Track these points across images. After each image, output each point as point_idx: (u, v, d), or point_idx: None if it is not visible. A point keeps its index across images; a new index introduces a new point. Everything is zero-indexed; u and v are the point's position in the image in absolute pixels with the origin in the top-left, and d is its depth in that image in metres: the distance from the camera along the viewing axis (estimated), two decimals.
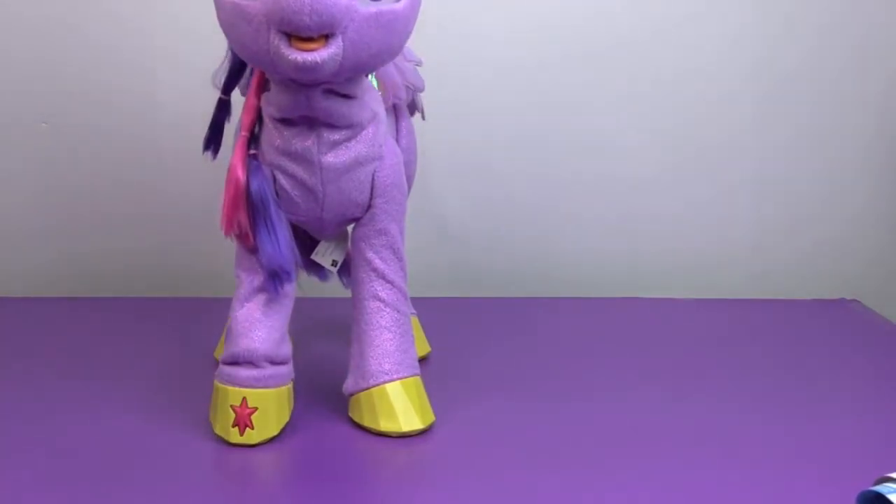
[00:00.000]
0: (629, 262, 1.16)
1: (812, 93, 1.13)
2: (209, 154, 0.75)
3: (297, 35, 0.58)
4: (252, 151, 0.69)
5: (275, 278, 0.69)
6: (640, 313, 1.03)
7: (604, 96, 1.11)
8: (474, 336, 0.94)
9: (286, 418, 0.72)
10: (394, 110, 0.79)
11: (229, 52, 0.71)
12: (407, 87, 0.79)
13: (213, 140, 0.74)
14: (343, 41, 0.59)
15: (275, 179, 0.70)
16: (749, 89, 1.12)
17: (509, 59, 1.09)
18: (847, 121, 1.14)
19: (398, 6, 0.61)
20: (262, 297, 0.70)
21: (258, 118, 0.69)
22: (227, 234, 0.69)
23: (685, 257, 1.16)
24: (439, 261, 1.13)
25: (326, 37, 0.58)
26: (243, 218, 0.68)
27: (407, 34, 0.65)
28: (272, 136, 0.68)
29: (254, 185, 0.68)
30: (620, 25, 1.09)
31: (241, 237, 0.69)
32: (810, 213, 1.16)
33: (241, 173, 0.68)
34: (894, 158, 1.16)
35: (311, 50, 0.58)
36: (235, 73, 0.72)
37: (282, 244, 0.69)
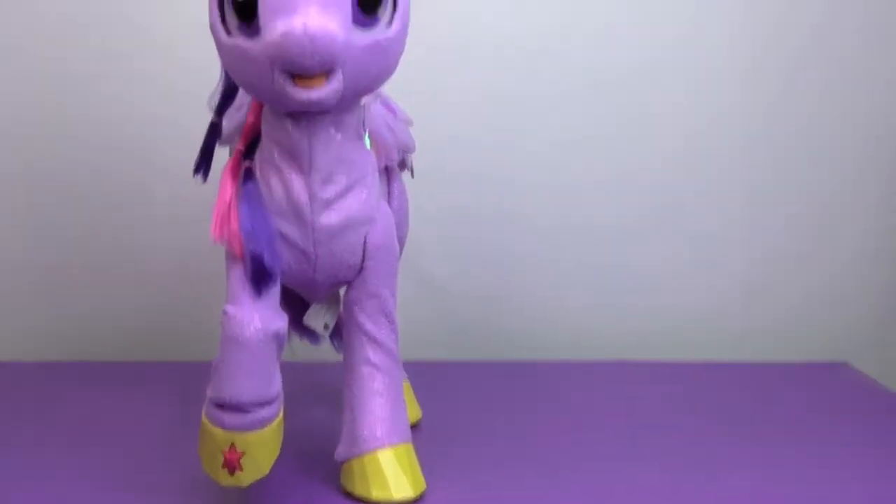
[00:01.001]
0: (610, 318, 1.16)
1: (803, 141, 1.15)
2: (199, 177, 0.73)
3: (301, 75, 0.59)
4: (247, 163, 0.69)
5: (258, 279, 0.67)
6: (630, 376, 1.03)
7: (587, 141, 1.13)
8: (466, 401, 0.93)
9: (276, 453, 0.69)
10: (385, 172, 0.79)
11: (223, 75, 0.72)
12: (399, 148, 0.79)
13: (204, 163, 0.74)
14: (343, 74, 0.61)
15: None
16: (743, 160, 1.15)
17: (491, 112, 1.11)
18: (840, 177, 1.16)
19: (390, 32, 0.63)
20: (251, 340, 0.67)
21: (255, 139, 0.70)
22: (216, 241, 0.68)
23: (669, 315, 1.17)
24: (430, 322, 1.13)
25: (328, 72, 0.60)
26: (233, 225, 0.67)
27: (402, 52, 0.66)
28: (263, 192, 0.68)
29: (243, 199, 0.67)
30: (602, 69, 1.11)
31: (230, 243, 0.68)
32: (799, 273, 1.17)
33: (230, 183, 0.68)
34: (887, 217, 1.17)
35: (316, 87, 0.60)
36: (229, 95, 0.73)
37: (264, 241, 0.67)
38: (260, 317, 0.67)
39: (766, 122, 1.14)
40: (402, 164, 0.83)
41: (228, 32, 0.62)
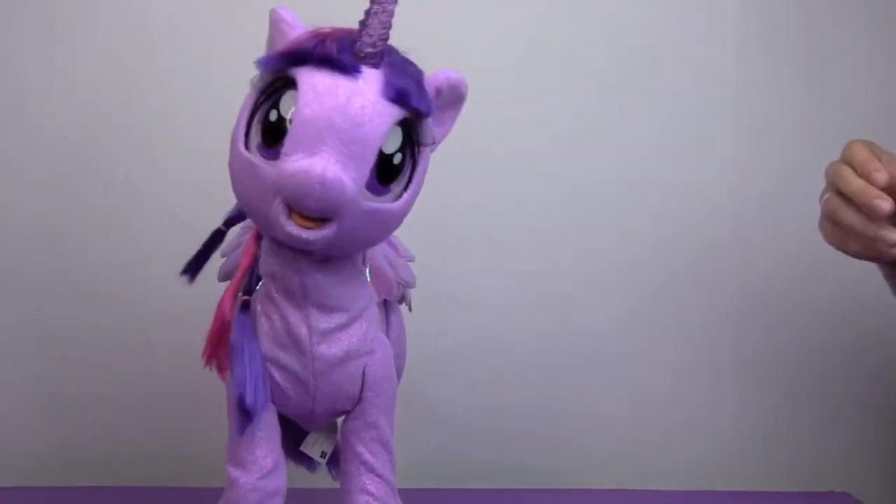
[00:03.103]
0: (610, 448, 1.16)
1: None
2: (186, 277, 0.75)
3: (299, 212, 0.61)
4: (244, 297, 0.71)
5: (243, 416, 0.69)
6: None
7: (586, 275, 1.15)
8: None
9: None
10: (384, 304, 0.81)
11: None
12: (399, 283, 0.81)
13: (196, 265, 0.75)
14: (337, 227, 0.62)
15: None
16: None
17: (494, 255, 1.14)
18: (831, 326, 1.17)
19: (396, 205, 0.65)
20: (253, 499, 0.70)
21: (254, 266, 0.71)
22: (206, 365, 0.70)
23: (670, 444, 1.17)
24: (427, 451, 1.13)
25: (324, 220, 0.61)
26: (223, 354, 0.69)
27: (397, 226, 0.69)
28: (262, 325, 0.70)
29: (236, 333, 0.69)
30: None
31: (219, 370, 0.70)
32: (796, 404, 1.18)
33: (227, 310, 0.70)
34: (880, 350, 1.18)
35: (307, 228, 0.61)
36: (242, 213, 0.75)
37: (248, 381, 0.68)
38: (259, 477, 0.71)
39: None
40: (401, 298, 0.85)
41: (248, 147, 0.64)
